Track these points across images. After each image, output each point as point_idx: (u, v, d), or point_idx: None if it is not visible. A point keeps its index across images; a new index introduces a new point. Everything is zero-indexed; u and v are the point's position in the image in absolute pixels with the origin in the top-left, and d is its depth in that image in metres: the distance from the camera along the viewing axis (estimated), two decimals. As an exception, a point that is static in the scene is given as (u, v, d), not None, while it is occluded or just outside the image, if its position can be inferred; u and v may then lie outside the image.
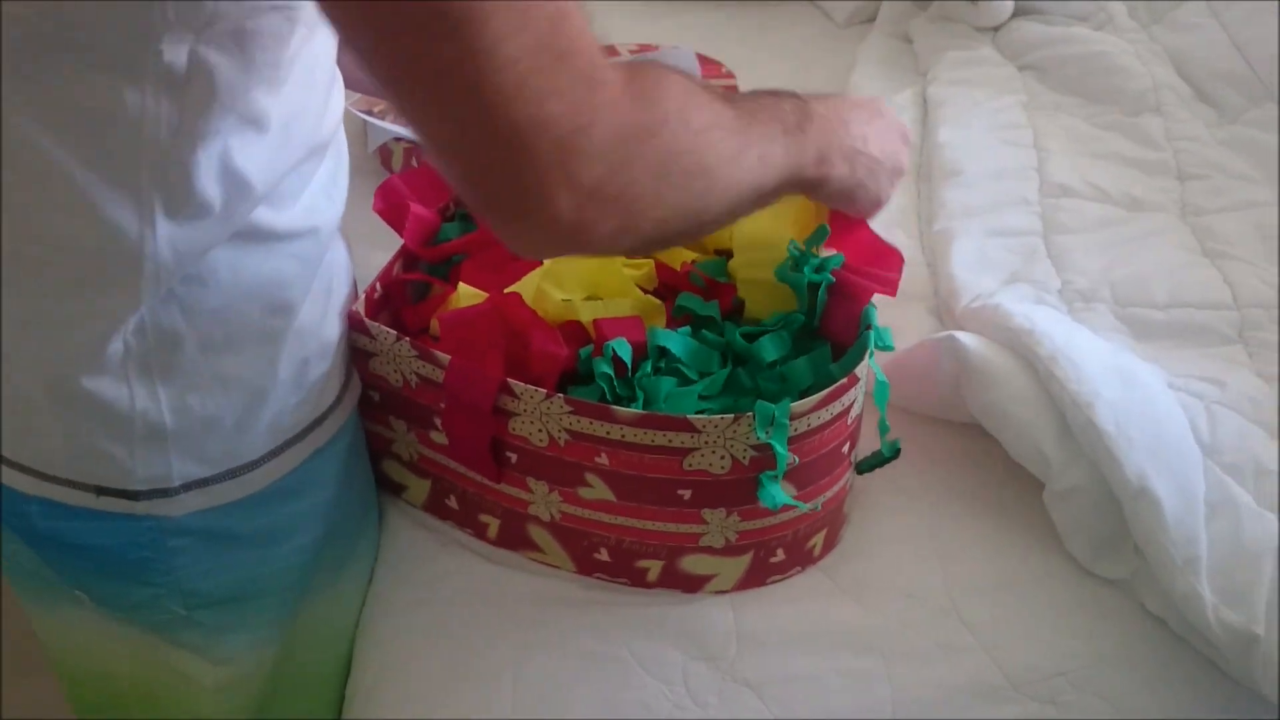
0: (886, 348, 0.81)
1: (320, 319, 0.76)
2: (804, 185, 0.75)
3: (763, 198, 0.70)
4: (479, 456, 0.80)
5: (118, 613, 0.78)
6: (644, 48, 1.30)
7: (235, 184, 0.65)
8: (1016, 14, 1.38)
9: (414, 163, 1.14)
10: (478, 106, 0.52)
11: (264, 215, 0.68)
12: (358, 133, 1.20)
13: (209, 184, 0.63)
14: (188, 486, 0.72)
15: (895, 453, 0.83)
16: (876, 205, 0.83)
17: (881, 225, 1.09)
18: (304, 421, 0.77)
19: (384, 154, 1.17)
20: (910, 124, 1.22)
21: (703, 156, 0.62)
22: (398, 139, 1.14)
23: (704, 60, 1.26)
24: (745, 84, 1.26)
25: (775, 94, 0.73)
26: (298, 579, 0.81)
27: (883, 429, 0.83)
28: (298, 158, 0.69)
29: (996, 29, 1.38)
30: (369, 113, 1.16)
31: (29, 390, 0.68)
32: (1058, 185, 1.12)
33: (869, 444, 0.85)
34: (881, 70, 1.32)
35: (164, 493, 0.72)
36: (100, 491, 0.71)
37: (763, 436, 0.72)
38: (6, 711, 1.26)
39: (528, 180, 0.54)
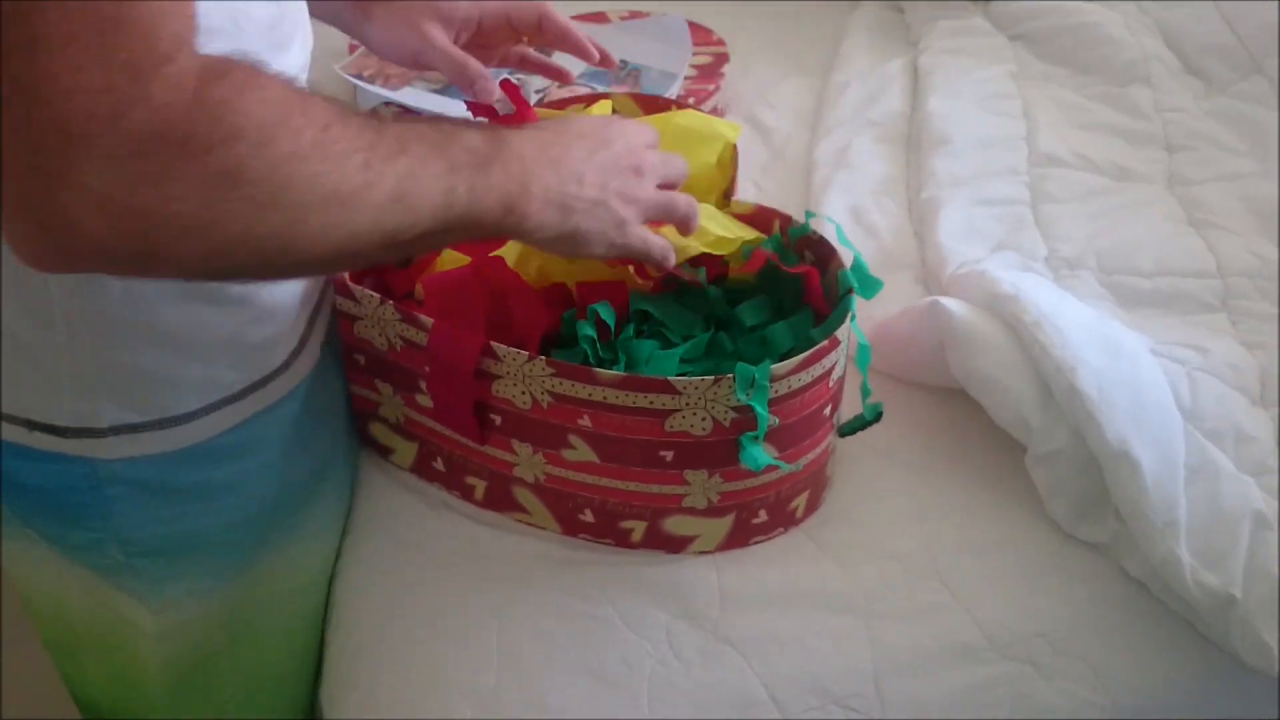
0: (876, 287, 0.81)
1: (264, 283, 0.73)
2: (488, 230, 0.67)
3: (410, 242, 0.62)
4: (462, 419, 0.80)
5: (65, 553, 0.79)
6: (634, 14, 1.30)
7: None
8: (1008, -16, 1.38)
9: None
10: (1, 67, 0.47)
11: None
12: (346, 96, 1.20)
13: None
14: (116, 430, 0.72)
15: (877, 416, 0.84)
16: (612, 246, 0.73)
17: (869, 194, 1.10)
18: (242, 382, 0.75)
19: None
20: (899, 94, 1.23)
21: (285, 189, 0.54)
22: (387, 103, 1.14)
23: (694, 28, 1.26)
24: (735, 53, 1.26)
25: (460, 126, 0.66)
26: (242, 536, 0.81)
27: (864, 392, 0.84)
28: None
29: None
30: (359, 76, 1.16)
31: None
32: (1046, 155, 1.12)
33: (851, 408, 0.85)
34: (872, 39, 1.32)
35: (92, 432, 0.72)
36: (31, 426, 0.72)
37: (743, 398, 0.73)
38: (6, 711, 1.26)
39: (33, 171, 0.49)
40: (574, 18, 1.27)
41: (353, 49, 1.21)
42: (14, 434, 0.73)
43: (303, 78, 0.74)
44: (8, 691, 1.25)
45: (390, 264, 0.80)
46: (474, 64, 0.89)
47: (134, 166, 0.49)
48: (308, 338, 0.81)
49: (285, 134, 0.54)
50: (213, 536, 0.80)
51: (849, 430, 0.85)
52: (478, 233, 0.67)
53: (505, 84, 0.87)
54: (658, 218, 0.75)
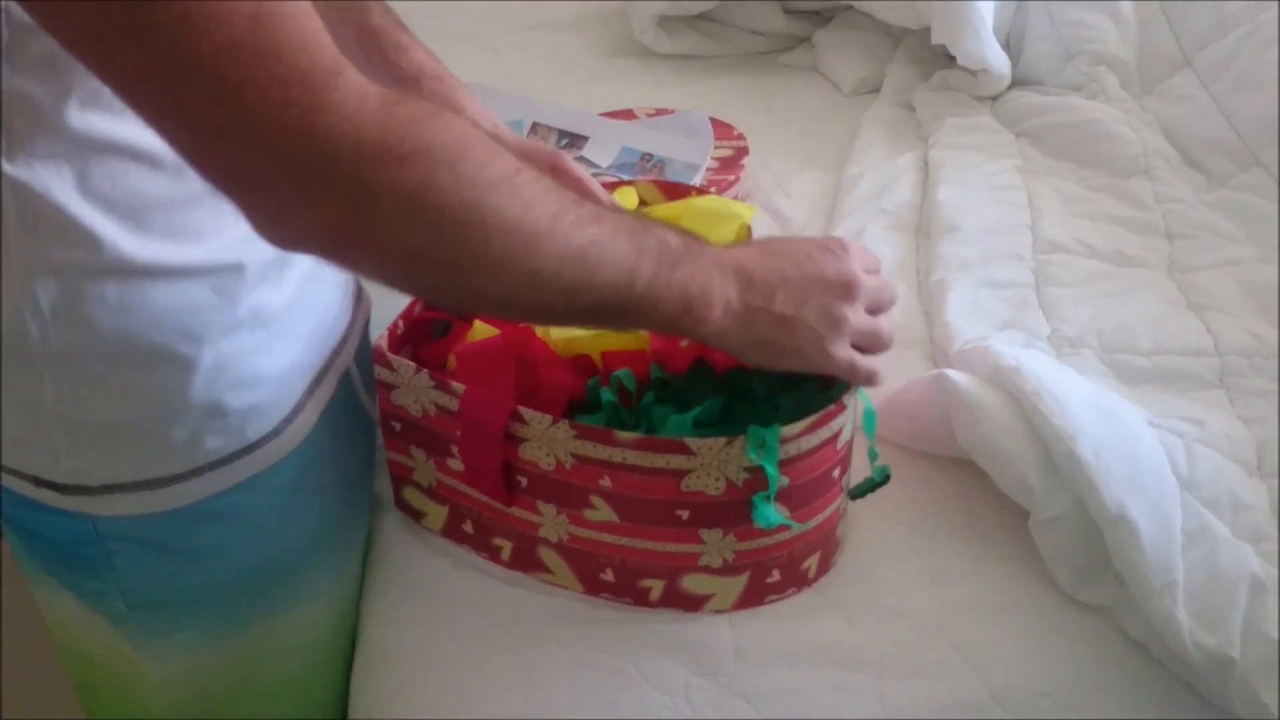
0: None
1: (248, 352, 0.76)
2: (664, 323, 0.70)
3: (589, 310, 0.66)
4: (491, 480, 0.85)
5: (80, 599, 0.83)
6: (660, 111, 1.37)
7: (109, 210, 0.67)
8: (1014, 84, 1.45)
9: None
10: (200, 112, 0.53)
11: (160, 250, 0.70)
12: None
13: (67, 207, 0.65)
14: (109, 489, 0.76)
15: (885, 478, 0.88)
16: (809, 364, 0.75)
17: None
18: (226, 449, 0.77)
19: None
20: (910, 185, 1.28)
21: (475, 208, 0.59)
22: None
23: (716, 124, 1.33)
24: (755, 147, 1.33)
25: (660, 224, 0.70)
26: (238, 595, 0.84)
27: (872, 455, 0.87)
28: (196, 192, 0.68)
29: (995, 98, 1.44)
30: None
31: None
32: (1049, 242, 1.17)
33: (861, 473, 0.89)
34: (885, 135, 1.38)
35: (86, 490, 0.76)
36: (37, 482, 0.76)
37: (754, 458, 0.77)
38: (6, 711, 1.28)
39: (257, 179, 0.55)
40: (602, 114, 1.34)
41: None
42: (23, 488, 0.77)
43: None
44: (8, 691, 1.27)
45: (569, 325, 0.83)
46: (542, 148, 0.94)
47: (335, 167, 0.55)
48: (302, 406, 0.82)
49: (472, 161, 0.59)
50: (207, 595, 0.83)
51: (860, 493, 0.89)
52: (655, 322, 0.70)
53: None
54: (864, 344, 0.77)
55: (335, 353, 0.87)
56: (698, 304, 0.70)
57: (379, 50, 0.92)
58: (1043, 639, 0.85)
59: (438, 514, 0.92)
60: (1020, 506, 0.89)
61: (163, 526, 0.78)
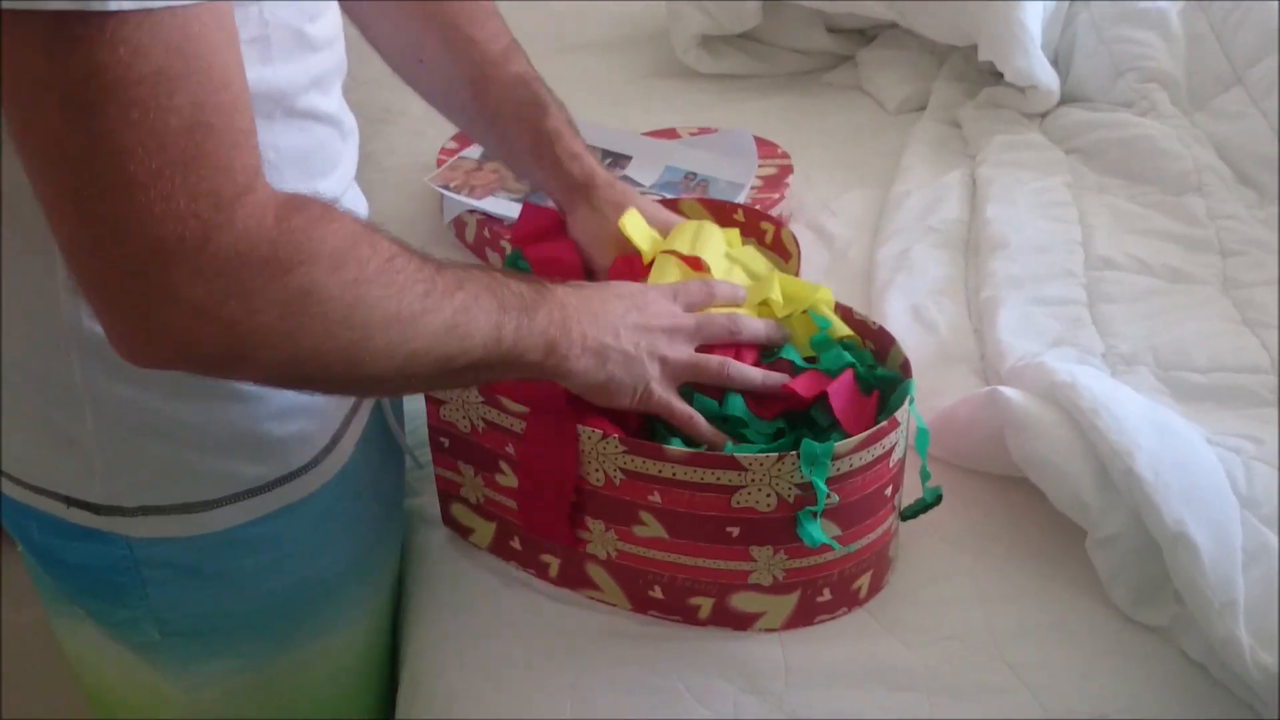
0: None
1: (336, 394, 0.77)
2: (532, 369, 0.74)
3: (460, 371, 0.69)
4: (559, 528, 0.85)
5: (106, 630, 0.83)
6: (703, 130, 1.37)
7: None
8: (1063, 100, 1.44)
9: (486, 234, 1.21)
10: (100, 203, 0.53)
11: None
12: (434, 205, 1.28)
13: None
14: (146, 511, 0.76)
15: (937, 498, 0.86)
16: (636, 400, 0.79)
17: (929, 294, 1.15)
18: (264, 477, 0.78)
19: (458, 226, 1.24)
20: (958, 203, 1.28)
21: (355, 308, 0.61)
22: (471, 211, 1.21)
23: (760, 142, 1.33)
24: (799, 166, 1.32)
25: (509, 274, 0.73)
26: (272, 621, 0.84)
27: (924, 476, 0.86)
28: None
29: (1044, 115, 1.43)
30: (445, 187, 1.24)
31: (11, 399, 0.74)
32: (1101, 258, 1.16)
33: (913, 493, 0.88)
34: (931, 153, 1.37)
35: (122, 511, 0.76)
36: (69, 502, 0.76)
37: (806, 473, 0.76)
38: (6, 711, 1.29)
39: (133, 285, 0.55)
40: (645, 134, 1.35)
41: (440, 162, 1.29)
42: (55, 509, 0.77)
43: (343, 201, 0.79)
44: (8, 691, 1.28)
45: (446, 388, 0.86)
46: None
47: (222, 283, 0.56)
48: (340, 436, 0.83)
49: (355, 261, 0.61)
50: (242, 622, 0.83)
51: (911, 514, 0.88)
52: (524, 371, 0.74)
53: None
54: (690, 378, 0.82)
55: None
56: (559, 345, 0.74)
57: (551, 155, 0.93)
58: (1099, 660, 0.83)
59: (485, 530, 0.92)
60: (1075, 525, 0.88)
61: (199, 551, 0.79)
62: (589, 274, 0.95)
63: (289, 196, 0.59)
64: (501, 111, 0.93)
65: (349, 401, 0.84)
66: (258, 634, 0.84)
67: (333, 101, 0.77)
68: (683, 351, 0.81)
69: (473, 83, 0.93)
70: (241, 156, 0.56)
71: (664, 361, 0.80)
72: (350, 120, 0.81)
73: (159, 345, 0.58)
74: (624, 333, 0.78)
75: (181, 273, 0.55)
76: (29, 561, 0.84)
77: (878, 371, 0.85)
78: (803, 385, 0.82)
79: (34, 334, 0.71)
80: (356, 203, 0.84)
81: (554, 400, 0.81)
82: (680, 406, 0.81)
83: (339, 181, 0.79)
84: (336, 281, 0.60)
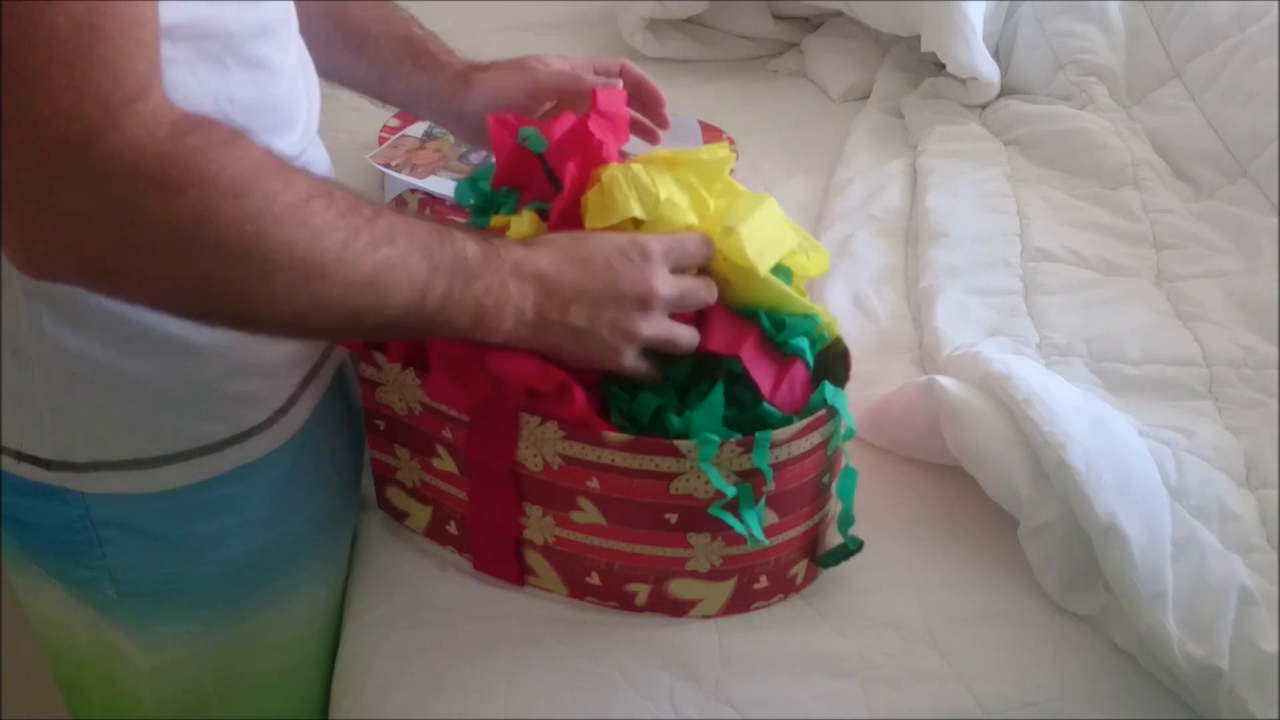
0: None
1: (244, 339, 0.75)
2: (456, 334, 0.71)
3: (371, 328, 0.66)
4: (504, 558, 0.85)
5: (68, 589, 0.82)
6: (650, 114, 1.36)
7: None
8: (1003, 92, 1.45)
9: (428, 213, 1.19)
10: None
11: None
12: (375, 184, 1.26)
13: None
14: (96, 466, 0.75)
15: (858, 546, 0.85)
16: (587, 365, 0.77)
17: (870, 282, 1.15)
18: (218, 434, 0.77)
19: (399, 205, 1.23)
20: (899, 191, 1.28)
21: (253, 243, 0.58)
22: (413, 190, 1.20)
23: (706, 127, 1.32)
24: (744, 151, 1.32)
25: (463, 234, 0.70)
26: (230, 588, 0.83)
27: (845, 523, 0.84)
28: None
29: (984, 106, 1.44)
30: (387, 165, 1.22)
31: None
32: (1038, 250, 1.17)
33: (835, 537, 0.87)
34: (873, 141, 1.38)
35: (72, 466, 0.75)
36: (19, 457, 0.75)
37: (759, 461, 0.76)
38: (6, 711, 1.27)
39: (16, 186, 0.54)
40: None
41: (382, 141, 1.28)
42: (7, 465, 0.76)
43: (302, 159, 0.77)
44: (8, 691, 1.26)
45: (357, 340, 0.83)
46: (589, 76, 0.95)
47: (106, 191, 0.54)
48: (297, 397, 0.82)
49: (258, 192, 0.58)
50: (201, 585, 0.82)
51: (832, 561, 0.86)
52: (447, 334, 0.72)
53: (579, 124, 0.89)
54: (659, 348, 0.78)
55: (332, 345, 0.86)
56: (489, 317, 0.71)
57: (428, 54, 0.93)
58: (1031, 648, 0.84)
59: (421, 514, 0.91)
60: (1008, 514, 0.89)
61: (156, 515, 0.78)
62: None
63: (189, 115, 0.57)
64: (369, 30, 0.93)
65: (306, 364, 0.83)
66: (215, 600, 0.84)
67: (289, 55, 0.75)
68: (657, 327, 0.77)
69: (331, 11, 0.92)
70: (134, 64, 0.54)
71: (631, 337, 0.76)
72: (312, 77, 0.80)
73: (41, 251, 0.56)
74: (576, 306, 0.74)
75: (64, 175, 0.53)
76: None
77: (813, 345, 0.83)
78: (719, 341, 0.80)
79: None
80: (319, 161, 0.83)
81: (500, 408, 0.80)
82: (647, 371, 0.78)
83: (300, 139, 0.78)
84: (234, 210, 0.57)
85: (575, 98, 0.94)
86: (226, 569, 0.82)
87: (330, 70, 0.95)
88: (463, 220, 0.87)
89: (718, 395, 0.79)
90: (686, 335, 0.79)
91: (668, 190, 0.80)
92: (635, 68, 0.99)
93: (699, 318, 0.81)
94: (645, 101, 1.00)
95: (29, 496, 0.77)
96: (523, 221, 0.80)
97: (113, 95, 0.53)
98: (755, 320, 0.81)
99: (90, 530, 0.77)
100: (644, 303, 0.76)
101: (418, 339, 0.79)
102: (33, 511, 0.78)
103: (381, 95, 0.99)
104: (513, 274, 0.72)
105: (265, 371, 0.79)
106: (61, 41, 0.52)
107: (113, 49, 0.53)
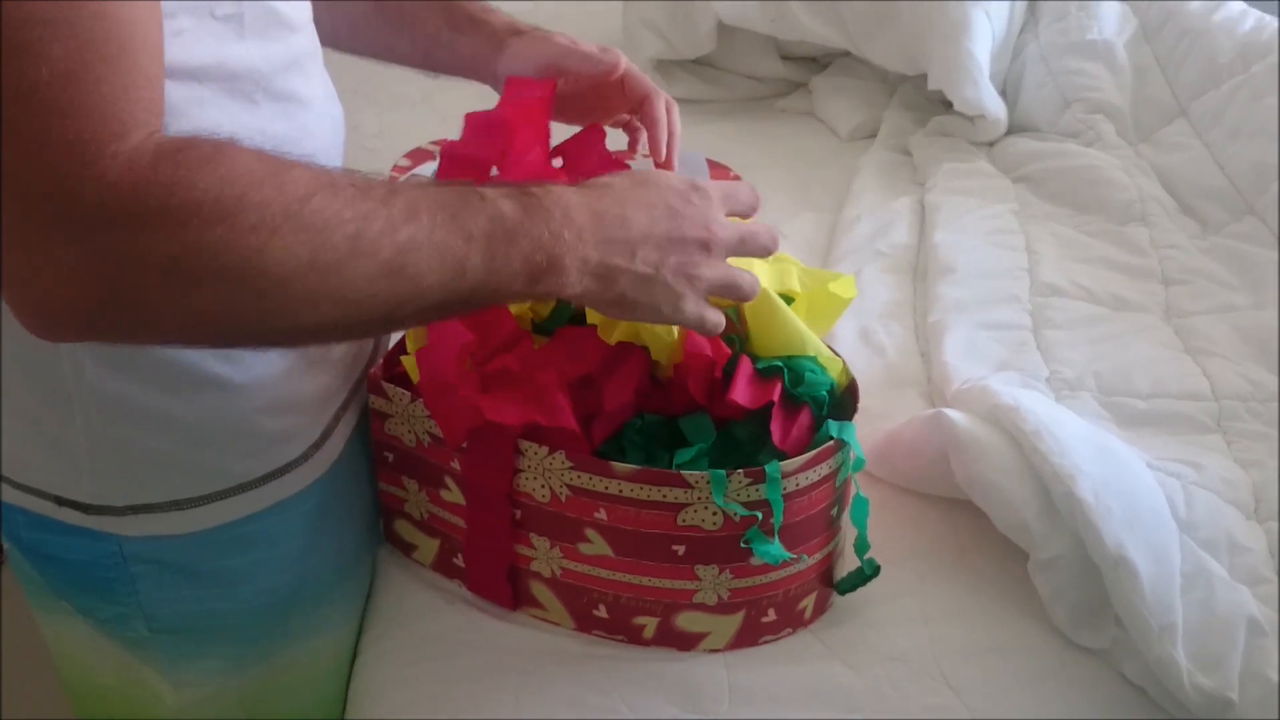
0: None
1: (281, 375, 0.76)
2: (519, 297, 0.67)
3: (414, 314, 0.62)
4: (497, 581, 0.85)
5: (95, 626, 0.82)
6: (656, 153, 1.38)
7: None
8: (1011, 130, 1.46)
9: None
10: None
11: None
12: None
13: None
14: (135, 510, 0.75)
15: (875, 570, 0.85)
16: (664, 319, 0.73)
17: (878, 317, 1.16)
18: (255, 472, 0.78)
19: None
20: (907, 228, 1.29)
21: (252, 262, 0.54)
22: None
23: (714, 165, 1.33)
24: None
25: (495, 192, 0.65)
26: (260, 624, 0.84)
27: (861, 548, 0.85)
28: None
29: (991, 144, 1.45)
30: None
31: (3, 397, 0.73)
32: (1047, 285, 1.17)
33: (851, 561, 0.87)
34: (881, 179, 1.39)
35: (112, 510, 0.75)
36: (59, 502, 0.76)
37: (770, 492, 0.76)
38: (6, 711, 1.27)
39: (15, 248, 0.52)
40: (600, 153, 1.34)
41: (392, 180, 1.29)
42: (44, 508, 0.76)
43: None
44: (8, 691, 1.26)
45: (411, 327, 0.80)
46: (606, 54, 0.91)
47: (92, 239, 0.52)
48: (330, 432, 0.83)
49: (249, 206, 0.54)
50: (231, 621, 0.83)
51: (849, 586, 0.86)
52: (505, 299, 0.67)
53: (594, 129, 0.90)
54: (720, 294, 0.74)
55: (360, 380, 0.87)
56: (548, 273, 0.66)
57: (466, 16, 0.92)
58: (1041, 681, 0.83)
59: (429, 547, 0.91)
60: (1018, 547, 0.89)
61: (188, 550, 0.78)
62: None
63: (169, 140, 0.54)
64: (406, 5, 0.92)
65: (339, 398, 0.83)
66: (244, 635, 0.84)
67: (316, 86, 0.76)
68: (718, 270, 0.73)
69: None
70: (117, 107, 0.52)
71: (695, 280, 0.72)
72: (337, 108, 0.80)
73: (48, 312, 0.54)
74: (643, 251, 0.69)
75: (50, 228, 0.51)
76: (17, 559, 0.83)
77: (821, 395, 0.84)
78: (744, 395, 0.80)
79: (23, 329, 0.69)
80: None
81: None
82: (712, 317, 0.74)
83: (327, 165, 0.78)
84: (225, 233, 0.53)
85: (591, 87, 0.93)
86: (257, 604, 0.83)
87: (378, 51, 0.95)
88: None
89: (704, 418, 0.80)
90: (748, 280, 0.75)
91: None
92: (656, 107, 0.92)
93: (725, 375, 0.81)
94: (646, 122, 0.94)
95: (60, 533, 0.77)
96: None
97: (89, 140, 0.51)
98: (778, 374, 0.82)
99: (122, 566, 0.78)
100: (706, 245, 0.72)
101: (476, 311, 0.72)
102: (63, 548, 0.78)
103: (430, 66, 0.96)
104: (565, 223, 0.66)
105: (300, 408, 0.79)
106: (42, 91, 0.50)
107: (94, 95, 0.52)
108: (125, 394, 0.71)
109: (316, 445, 0.82)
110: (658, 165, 0.95)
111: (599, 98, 0.93)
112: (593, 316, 0.80)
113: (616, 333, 0.82)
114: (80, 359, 0.70)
